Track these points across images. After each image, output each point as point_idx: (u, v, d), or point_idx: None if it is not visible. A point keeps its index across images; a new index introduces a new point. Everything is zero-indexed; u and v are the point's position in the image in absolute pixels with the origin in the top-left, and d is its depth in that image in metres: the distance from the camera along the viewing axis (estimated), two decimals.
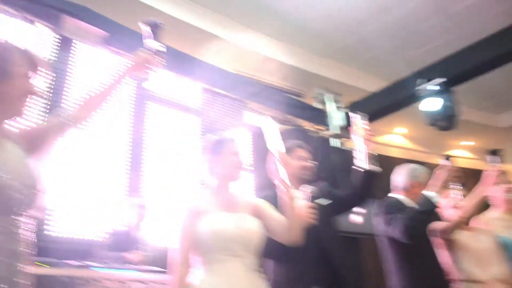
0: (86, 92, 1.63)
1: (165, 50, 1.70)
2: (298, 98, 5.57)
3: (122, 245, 3.28)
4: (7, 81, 1.37)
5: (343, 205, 2.53)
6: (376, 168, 2.34)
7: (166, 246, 3.01)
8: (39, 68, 1.47)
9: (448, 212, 2.77)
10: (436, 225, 2.61)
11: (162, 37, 1.73)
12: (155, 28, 1.72)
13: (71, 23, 3.87)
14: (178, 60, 4.16)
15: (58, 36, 3.84)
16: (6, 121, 1.42)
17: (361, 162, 2.36)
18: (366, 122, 2.40)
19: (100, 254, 3.18)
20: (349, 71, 5.91)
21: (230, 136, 1.99)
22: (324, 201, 2.35)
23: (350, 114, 2.43)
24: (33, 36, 3.74)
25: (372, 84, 5.79)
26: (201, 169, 1.97)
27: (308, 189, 2.28)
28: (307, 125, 5.50)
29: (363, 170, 2.35)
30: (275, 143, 1.84)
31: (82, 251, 3.20)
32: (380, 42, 5.43)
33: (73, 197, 3.56)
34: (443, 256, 2.66)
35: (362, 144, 2.37)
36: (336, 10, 4.89)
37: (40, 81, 1.47)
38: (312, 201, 2.07)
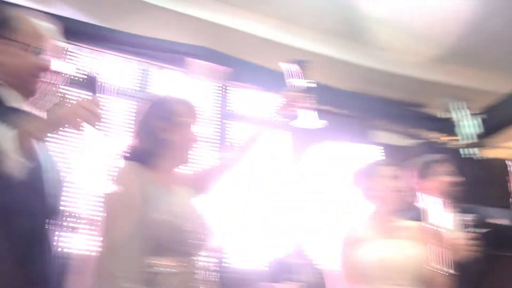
0: (242, 133, 1.71)
1: (315, 85, 1.70)
2: (421, 110, 5.31)
3: (280, 274, 3.28)
4: (175, 132, 1.48)
5: (501, 242, 2.30)
6: None
7: (324, 275, 2.97)
8: (197, 116, 1.57)
9: None
10: None
11: (308, 74, 1.73)
12: (301, 66, 1.73)
13: (194, 64, 4.11)
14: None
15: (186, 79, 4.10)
16: (175, 167, 1.54)
17: None
18: None
19: (258, 284, 3.23)
20: (475, 73, 5.49)
21: (384, 160, 1.94)
22: (480, 230, 2.15)
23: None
24: (165, 82, 4.04)
25: (504, 85, 5.31)
26: (356, 195, 1.95)
27: (464, 217, 2.12)
28: (434, 137, 5.20)
29: None
30: (438, 224, 1.75)
31: (240, 281, 3.26)
32: (506, 37, 4.99)
33: (232, 226, 3.66)
34: None
35: None
36: (446, 13, 4.60)
37: (199, 128, 1.57)
38: (469, 230, 1.93)
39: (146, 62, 3.99)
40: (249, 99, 4.23)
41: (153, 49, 4.00)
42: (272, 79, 3.70)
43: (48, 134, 1.31)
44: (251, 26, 4.22)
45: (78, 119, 1.25)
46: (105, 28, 3.71)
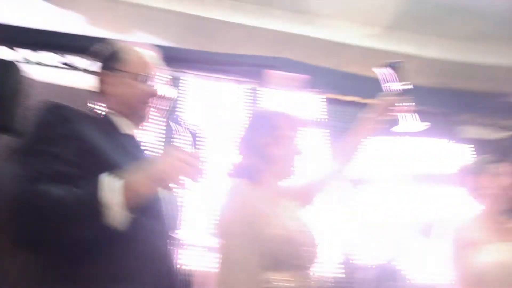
0: (343, 145, 1.70)
1: (411, 87, 1.65)
2: (510, 99, 4.98)
3: (385, 280, 3.17)
4: (279, 146, 1.51)
5: None
6: None
7: (434, 283, 2.82)
8: (299, 128, 1.59)
9: None
10: None
11: (403, 76, 1.69)
12: (394, 69, 1.69)
13: (272, 75, 4.15)
14: (369, 86, 4.08)
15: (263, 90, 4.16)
16: (279, 181, 1.56)
17: None
18: None
19: None
20: None
21: (491, 156, 1.84)
22: None
23: None
24: (243, 95, 4.11)
25: None
26: (463, 193, 1.86)
27: None
28: None
29: None
30: None
31: None
32: None
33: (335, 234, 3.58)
34: None
35: None
36: None
37: (301, 139, 1.59)
38: None
39: (228, 78, 4.09)
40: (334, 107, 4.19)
41: (233, 64, 4.10)
42: (355, 84, 3.67)
43: (152, 189, 1.27)
44: (327, 31, 4.21)
45: (180, 175, 1.22)
46: (186, 50, 3.85)
